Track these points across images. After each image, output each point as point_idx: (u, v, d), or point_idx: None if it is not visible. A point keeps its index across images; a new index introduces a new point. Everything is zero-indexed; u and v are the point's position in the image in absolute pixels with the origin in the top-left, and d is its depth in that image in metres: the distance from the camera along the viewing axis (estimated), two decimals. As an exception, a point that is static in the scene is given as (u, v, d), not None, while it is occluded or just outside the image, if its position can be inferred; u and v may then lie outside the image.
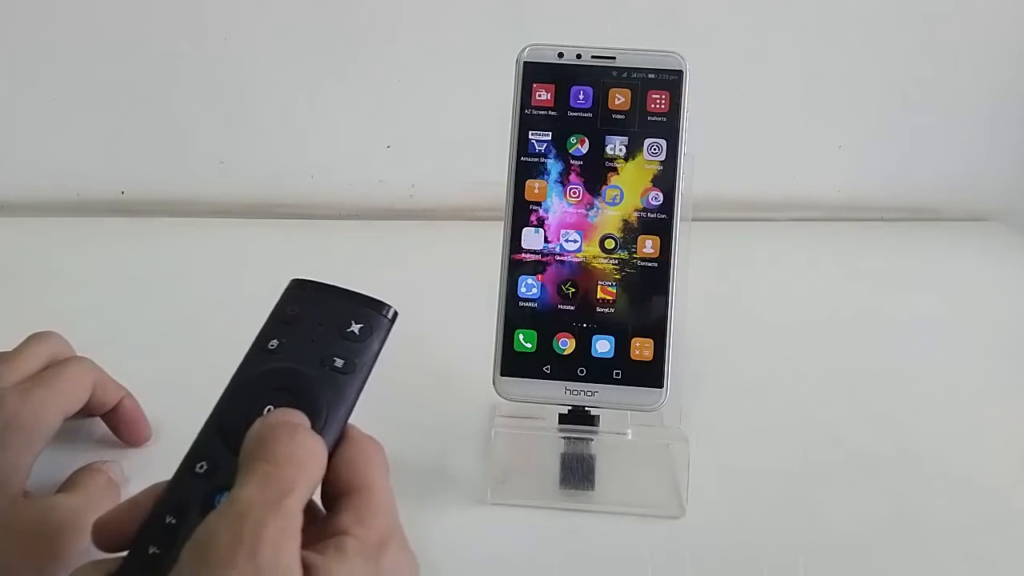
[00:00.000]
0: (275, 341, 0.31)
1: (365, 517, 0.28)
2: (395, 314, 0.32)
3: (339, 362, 0.30)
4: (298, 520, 0.26)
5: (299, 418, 0.29)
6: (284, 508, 0.26)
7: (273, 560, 0.25)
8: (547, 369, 0.42)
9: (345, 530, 0.28)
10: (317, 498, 0.30)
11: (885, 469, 0.47)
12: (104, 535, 0.28)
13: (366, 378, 0.31)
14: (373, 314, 0.32)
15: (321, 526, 0.28)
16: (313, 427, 0.29)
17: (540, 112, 0.43)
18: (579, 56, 0.43)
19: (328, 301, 0.32)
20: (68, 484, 0.40)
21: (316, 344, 0.31)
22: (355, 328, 0.31)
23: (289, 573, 0.25)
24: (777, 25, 0.74)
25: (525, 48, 0.43)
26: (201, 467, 0.28)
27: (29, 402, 0.38)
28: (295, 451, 0.27)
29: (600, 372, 0.41)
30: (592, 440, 0.44)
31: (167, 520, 0.27)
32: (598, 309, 0.42)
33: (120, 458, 0.43)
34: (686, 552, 0.41)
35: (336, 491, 0.29)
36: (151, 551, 0.27)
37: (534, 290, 0.42)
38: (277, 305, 0.32)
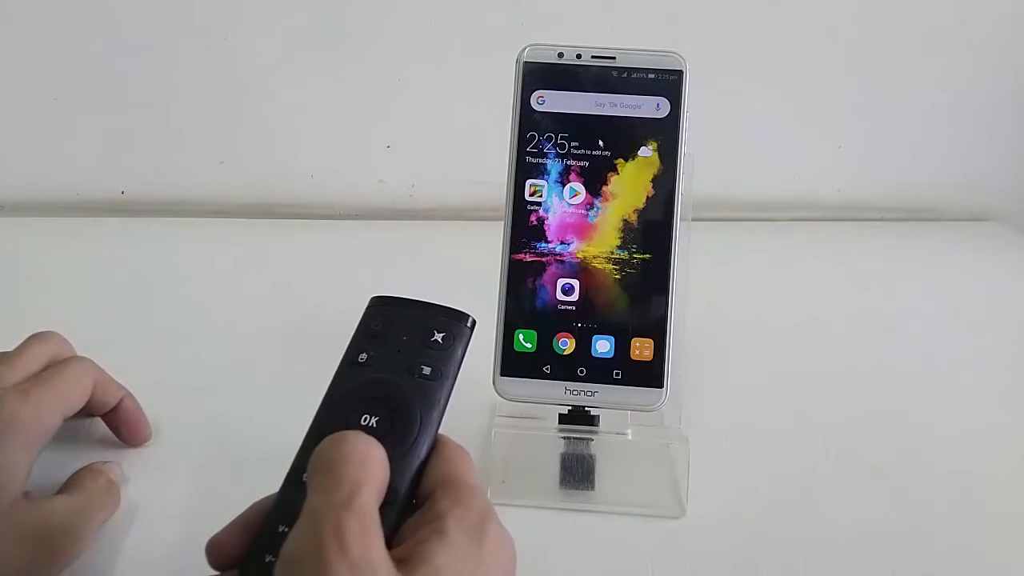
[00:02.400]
0: (364, 355, 0.33)
1: (462, 499, 0.29)
2: (474, 322, 0.34)
3: (427, 370, 0.32)
4: (375, 517, 0.26)
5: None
6: (356, 506, 0.26)
7: (364, 555, 0.25)
8: (547, 369, 0.42)
9: (443, 513, 0.28)
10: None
11: (885, 469, 0.47)
12: (217, 554, 0.29)
13: (453, 384, 0.33)
14: (453, 323, 0.34)
15: (419, 517, 0.29)
16: (408, 432, 0.31)
17: (540, 112, 0.43)
18: (579, 56, 0.43)
19: (409, 314, 0.34)
20: (68, 485, 0.40)
21: (403, 355, 0.33)
22: (438, 337, 0.33)
23: (380, 567, 0.25)
24: (777, 25, 0.74)
25: (525, 48, 0.43)
26: (307, 476, 0.29)
27: (29, 402, 0.38)
28: (348, 451, 0.28)
29: (600, 372, 0.41)
30: (592, 440, 0.44)
31: (280, 529, 0.28)
32: (598, 309, 0.42)
33: (120, 458, 0.43)
34: (686, 552, 0.41)
35: (431, 486, 0.30)
36: (267, 559, 0.28)
37: (534, 290, 0.42)
38: (361, 321, 0.34)
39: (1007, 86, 0.79)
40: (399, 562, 0.26)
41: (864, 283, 0.69)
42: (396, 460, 0.29)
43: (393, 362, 0.32)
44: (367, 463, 0.28)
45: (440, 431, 0.32)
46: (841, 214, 0.82)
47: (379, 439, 0.29)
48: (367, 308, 0.34)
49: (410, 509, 0.30)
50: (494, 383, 0.42)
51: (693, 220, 0.42)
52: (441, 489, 0.29)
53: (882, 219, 0.83)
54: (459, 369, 0.33)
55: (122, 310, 0.61)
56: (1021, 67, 0.78)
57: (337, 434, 0.29)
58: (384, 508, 0.28)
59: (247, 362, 0.54)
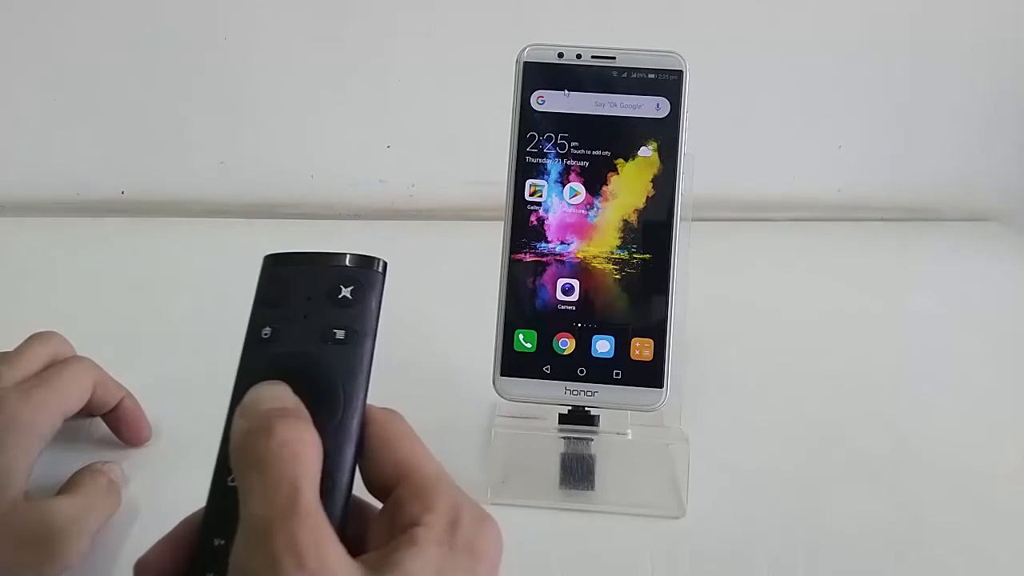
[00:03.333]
0: (267, 329, 0.29)
1: (429, 500, 0.27)
2: (385, 265, 0.30)
3: (340, 333, 0.29)
4: (323, 517, 0.25)
5: (272, 400, 0.27)
6: (302, 509, 0.24)
7: (320, 565, 0.23)
8: (547, 369, 0.41)
9: (415, 521, 0.26)
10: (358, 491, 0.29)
11: (885, 469, 0.47)
12: (145, 574, 0.28)
13: (374, 340, 0.29)
14: (362, 271, 0.30)
15: (387, 524, 0.27)
16: (333, 408, 0.28)
17: (540, 112, 0.43)
18: (579, 56, 0.43)
19: (309, 271, 0.29)
20: (69, 486, 0.40)
21: (310, 320, 0.29)
22: (346, 292, 0.29)
23: (342, 571, 0.24)
24: (777, 25, 0.74)
25: (525, 48, 0.43)
26: (232, 480, 0.27)
27: (30, 402, 0.38)
28: (281, 447, 0.25)
29: (600, 372, 0.41)
30: (592, 440, 0.44)
31: (215, 543, 0.27)
32: (598, 309, 0.42)
33: (120, 458, 0.43)
34: (686, 552, 0.41)
35: (385, 479, 0.28)
36: None
37: (534, 290, 0.42)
38: (258, 288, 0.30)
39: (1007, 86, 0.79)
40: (368, 567, 0.25)
41: (864, 283, 0.69)
42: (327, 442, 0.26)
43: (301, 331, 0.28)
44: (300, 456, 0.25)
45: (415, 422, 0.30)
46: (841, 214, 0.82)
47: None
48: (261, 272, 0.30)
49: (350, 494, 0.28)
50: (494, 383, 0.42)
51: (693, 220, 0.42)
52: (402, 487, 0.28)
53: (882, 219, 0.83)
54: (378, 321, 0.29)
55: (122, 310, 0.61)
56: (1021, 67, 0.78)
57: (260, 422, 0.26)
58: (325, 498, 0.25)
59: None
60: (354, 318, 0.29)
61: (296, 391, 0.27)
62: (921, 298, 0.67)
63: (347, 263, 0.30)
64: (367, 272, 0.30)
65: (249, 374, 0.29)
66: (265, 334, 0.29)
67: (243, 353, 0.29)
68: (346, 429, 0.28)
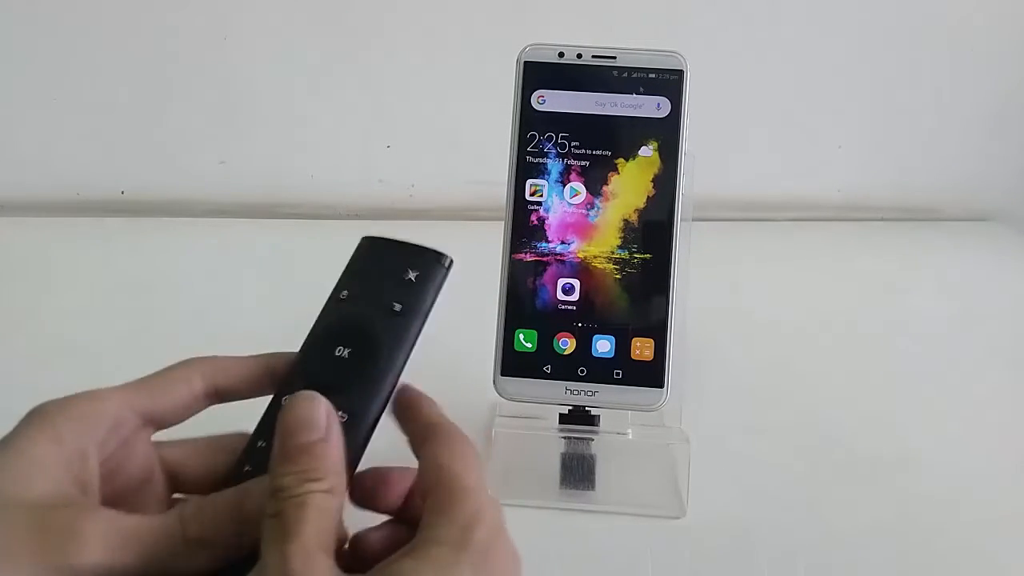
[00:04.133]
0: (345, 291, 0.34)
1: (444, 506, 0.27)
2: (451, 262, 0.35)
3: (397, 306, 0.33)
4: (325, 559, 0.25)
5: (302, 429, 0.28)
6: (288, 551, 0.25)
7: None
8: (547, 369, 0.41)
9: (422, 525, 0.27)
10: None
11: (885, 469, 0.47)
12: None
13: (424, 321, 0.34)
14: (430, 262, 0.35)
15: (405, 535, 0.28)
16: (374, 364, 0.32)
17: (540, 112, 0.43)
18: (579, 56, 0.43)
19: (391, 253, 0.35)
20: None
21: (379, 291, 0.34)
22: (412, 276, 0.34)
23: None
24: (777, 25, 0.74)
25: (525, 48, 0.43)
26: (286, 400, 0.31)
27: None
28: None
29: (600, 372, 0.41)
30: (592, 440, 0.44)
31: (258, 444, 0.31)
32: (598, 309, 0.42)
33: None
34: (686, 552, 0.41)
35: (423, 484, 0.29)
36: (246, 469, 0.31)
37: (534, 290, 0.42)
38: (350, 260, 0.36)
39: (1007, 86, 0.79)
40: None
41: (864, 283, 0.69)
42: (361, 388, 0.32)
43: (369, 298, 0.34)
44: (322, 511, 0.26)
45: (445, 422, 0.33)
46: (841, 214, 0.82)
47: (348, 369, 0.32)
48: (356, 248, 0.36)
49: (369, 437, 0.31)
50: (494, 383, 0.42)
51: (693, 220, 0.42)
52: (431, 496, 0.28)
53: (882, 219, 0.83)
54: (431, 307, 0.34)
55: (122, 310, 0.61)
56: (1021, 67, 0.78)
57: (288, 512, 0.26)
58: (347, 434, 0.29)
59: (247, 362, 0.54)
60: (411, 296, 0.34)
61: (350, 344, 0.33)
62: (921, 298, 0.67)
63: (420, 253, 0.35)
64: (433, 264, 0.35)
65: (322, 324, 0.34)
66: (343, 296, 0.34)
67: (324, 307, 0.34)
68: (380, 385, 0.32)
